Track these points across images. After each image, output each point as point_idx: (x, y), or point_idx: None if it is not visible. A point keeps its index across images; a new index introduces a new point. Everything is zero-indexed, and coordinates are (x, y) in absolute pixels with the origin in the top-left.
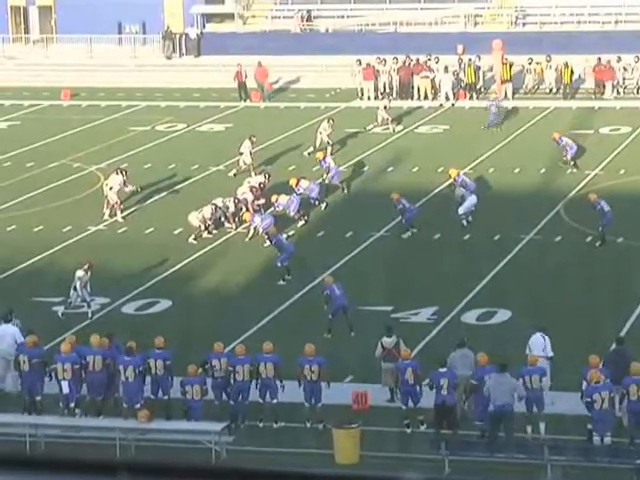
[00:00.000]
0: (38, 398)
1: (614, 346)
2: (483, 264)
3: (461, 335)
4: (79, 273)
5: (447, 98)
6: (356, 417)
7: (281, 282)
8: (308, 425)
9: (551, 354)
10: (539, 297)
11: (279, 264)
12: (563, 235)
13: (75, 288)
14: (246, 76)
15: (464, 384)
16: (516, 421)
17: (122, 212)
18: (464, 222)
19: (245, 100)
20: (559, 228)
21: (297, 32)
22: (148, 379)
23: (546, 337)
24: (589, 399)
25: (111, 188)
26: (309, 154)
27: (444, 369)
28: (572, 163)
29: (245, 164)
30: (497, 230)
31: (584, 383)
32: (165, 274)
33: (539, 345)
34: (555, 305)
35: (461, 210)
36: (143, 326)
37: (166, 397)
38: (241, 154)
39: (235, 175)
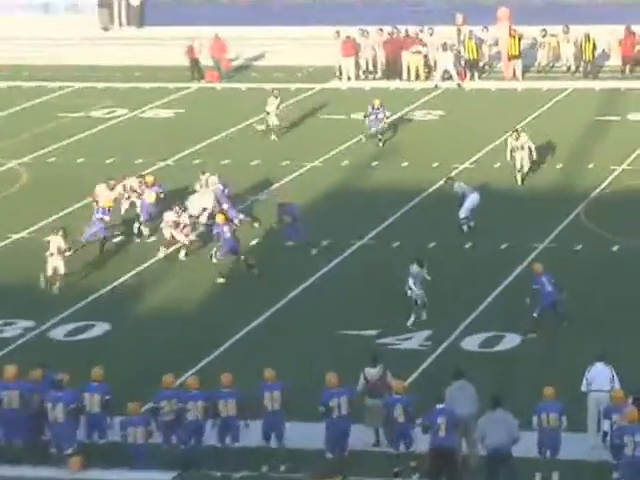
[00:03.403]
0: None
1: None
2: (488, 278)
3: (458, 364)
4: (414, 268)
5: (444, 78)
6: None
7: (220, 280)
8: (264, 469)
9: (618, 385)
10: (555, 318)
11: (215, 259)
12: (584, 243)
13: (411, 287)
14: (200, 51)
15: (464, 424)
16: (523, 468)
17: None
18: (465, 227)
19: (199, 80)
20: (579, 235)
21: None
22: (82, 419)
23: (610, 366)
24: (618, 441)
25: (52, 254)
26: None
27: (441, 406)
28: (379, 137)
29: (273, 124)
30: (504, 237)
31: (606, 423)
32: (102, 292)
33: (605, 377)
34: (575, 327)
35: (462, 213)
36: (75, 355)
37: (103, 440)
38: (268, 114)
39: (264, 132)
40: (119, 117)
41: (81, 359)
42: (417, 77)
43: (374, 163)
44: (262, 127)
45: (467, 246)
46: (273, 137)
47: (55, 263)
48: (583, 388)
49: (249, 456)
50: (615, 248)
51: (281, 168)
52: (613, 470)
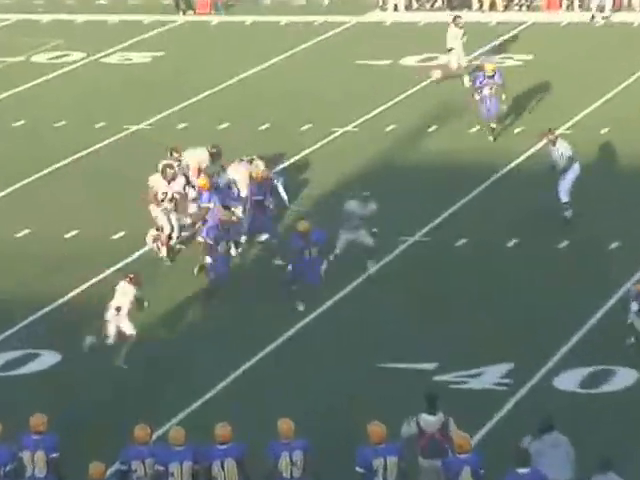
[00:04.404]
0: None
1: None
2: (591, 291)
3: (549, 411)
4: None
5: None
6: None
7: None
8: None
9: None
10: None
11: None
12: None
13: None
14: None
15: None
16: None
17: None
18: (566, 214)
19: (185, 12)
20: None
21: None
22: None
23: None
24: None
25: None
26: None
27: (525, 470)
28: (491, 125)
29: (460, 65)
30: (616, 233)
31: None
32: (47, 309)
33: None
34: None
35: (563, 194)
36: (12, 396)
37: None
38: (450, 50)
39: (437, 82)
40: (73, 63)
41: (21, 402)
42: (492, 6)
43: (431, 128)
44: (437, 73)
45: (562, 245)
46: (466, 81)
47: (119, 321)
48: None
49: None
50: None
51: (300, 135)
52: None
